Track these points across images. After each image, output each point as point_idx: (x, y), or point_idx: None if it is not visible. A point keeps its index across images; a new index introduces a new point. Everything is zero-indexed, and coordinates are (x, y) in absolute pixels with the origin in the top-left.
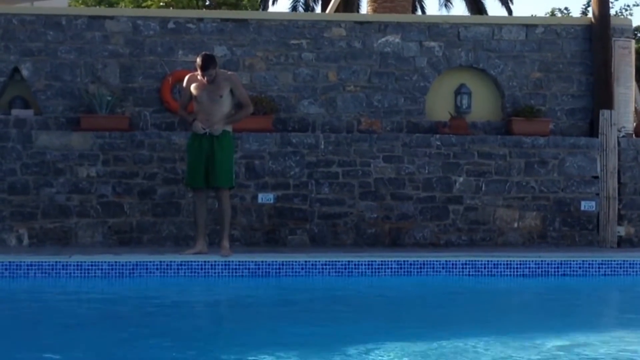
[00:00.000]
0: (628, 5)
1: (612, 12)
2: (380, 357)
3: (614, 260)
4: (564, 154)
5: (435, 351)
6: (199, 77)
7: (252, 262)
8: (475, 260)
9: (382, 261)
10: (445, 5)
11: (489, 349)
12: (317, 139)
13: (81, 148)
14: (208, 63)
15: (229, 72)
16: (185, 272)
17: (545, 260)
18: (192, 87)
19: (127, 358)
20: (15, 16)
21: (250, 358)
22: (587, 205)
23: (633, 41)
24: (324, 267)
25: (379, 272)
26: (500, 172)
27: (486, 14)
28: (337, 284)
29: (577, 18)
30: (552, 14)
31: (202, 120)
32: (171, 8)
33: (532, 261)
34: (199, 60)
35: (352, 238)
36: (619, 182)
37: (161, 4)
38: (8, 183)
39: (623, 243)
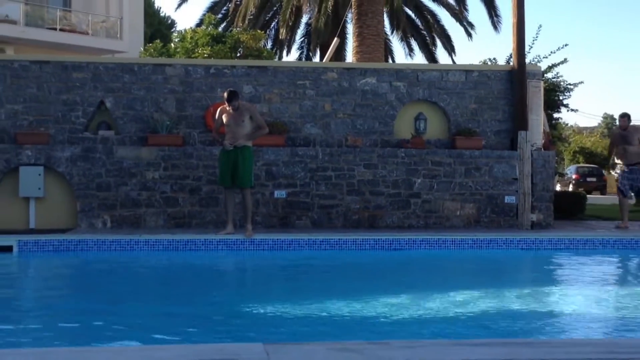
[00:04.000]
0: (539, 55)
1: (527, 61)
2: (358, 305)
3: (529, 238)
4: (493, 162)
5: (399, 302)
6: (227, 108)
7: (270, 239)
8: (429, 238)
9: (363, 239)
10: (410, 55)
11: (436, 299)
12: (316, 151)
13: (148, 158)
14: (231, 97)
15: (249, 104)
16: (222, 247)
17: (479, 238)
18: (223, 115)
19: (183, 300)
20: (101, 64)
21: (269, 305)
22: (509, 199)
23: (542, 82)
24: (322, 243)
25: (361, 246)
26: (447, 175)
27: (437, 62)
28: (331, 255)
29: (502, 65)
30: (484, 62)
31: (230, 138)
32: (212, 58)
33: (470, 239)
34: (225, 94)
35: (341, 222)
36: (532, 183)
37: (205, 55)
38: (96, 183)
39: (535, 226)
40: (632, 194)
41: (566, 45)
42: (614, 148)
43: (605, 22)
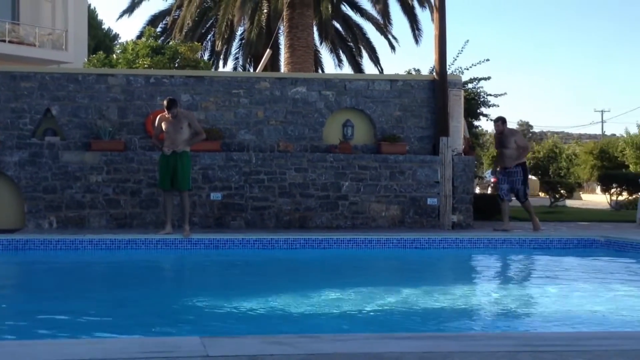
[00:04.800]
0: (460, 67)
1: (449, 71)
2: (290, 300)
3: (450, 238)
4: (416, 167)
5: (330, 298)
6: (166, 115)
7: (207, 239)
8: (356, 238)
9: (294, 238)
10: (339, 66)
11: (365, 295)
12: (250, 156)
13: (92, 162)
14: (170, 104)
15: (187, 111)
16: (161, 246)
17: (404, 238)
18: (162, 122)
19: (125, 295)
20: (47, 74)
21: (206, 301)
22: (431, 201)
23: (462, 91)
24: (255, 242)
25: (292, 246)
26: (373, 179)
27: (364, 72)
28: (263, 253)
29: (425, 75)
30: (409, 72)
31: (169, 144)
32: (152, 68)
33: (395, 238)
34: (165, 102)
35: (273, 223)
36: (453, 186)
37: (145, 65)
38: (43, 186)
39: (455, 226)
40: (511, 195)
41: (487, 60)
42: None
43: (523, 38)
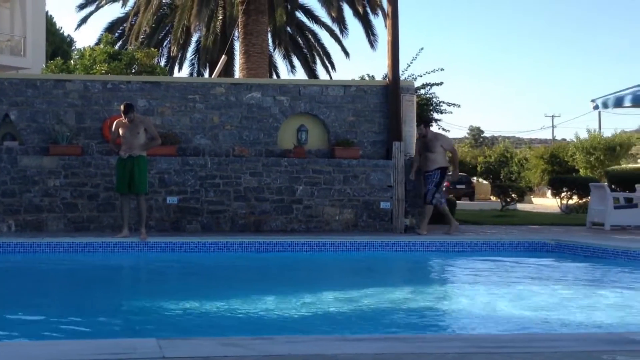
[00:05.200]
0: (412, 74)
1: (403, 78)
2: (245, 303)
3: (402, 241)
4: (369, 171)
5: (284, 300)
6: (123, 120)
7: (163, 242)
8: (310, 241)
9: (249, 241)
10: (292, 71)
11: (318, 298)
12: (205, 160)
13: (50, 167)
14: (127, 109)
15: (144, 116)
16: (118, 249)
17: (357, 241)
18: (119, 127)
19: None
20: (6, 80)
21: (161, 303)
22: (384, 205)
23: (414, 96)
24: (211, 245)
25: (247, 249)
26: (327, 183)
27: (318, 78)
28: (219, 257)
29: (378, 81)
30: (362, 78)
31: (125, 149)
32: (109, 74)
33: (349, 241)
34: (122, 107)
35: (229, 226)
36: (405, 190)
37: (102, 71)
38: (1, 190)
39: (408, 230)
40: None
41: (442, 69)
42: (418, 156)
43: (476, 43)
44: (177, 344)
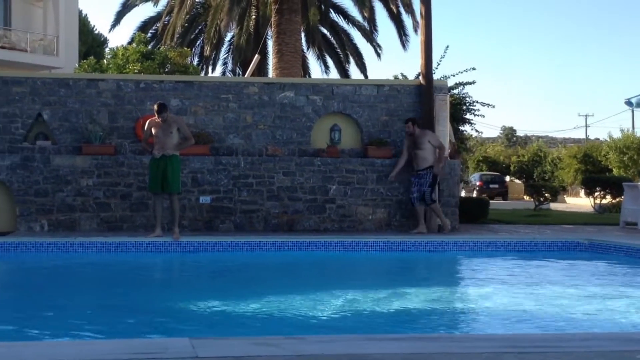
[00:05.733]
0: (445, 75)
1: (435, 77)
2: (277, 302)
3: (435, 241)
4: (402, 171)
5: (316, 300)
6: (156, 119)
7: (196, 241)
8: (343, 241)
9: (282, 241)
10: (325, 71)
11: (351, 298)
12: (239, 160)
13: (82, 166)
14: (161, 109)
15: (177, 116)
16: (151, 249)
17: (390, 241)
18: (152, 127)
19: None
20: (39, 79)
21: (194, 303)
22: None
23: (448, 95)
24: (243, 245)
25: (280, 248)
26: (360, 182)
27: (351, 77)
28: (252, 256)
29: (411, 80)
30: (395, 77)
31: (158, 148)
32: (142, 74)
33: (382, 241)
34: (155, 106)
35: (262, 226)
36: (438, 189)
37: (135, 71)
38: (34, 189)
39: (441, 229)
40: (417, 200)
41: (474, 68)
42: (406, 155)
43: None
44: (209, 343)
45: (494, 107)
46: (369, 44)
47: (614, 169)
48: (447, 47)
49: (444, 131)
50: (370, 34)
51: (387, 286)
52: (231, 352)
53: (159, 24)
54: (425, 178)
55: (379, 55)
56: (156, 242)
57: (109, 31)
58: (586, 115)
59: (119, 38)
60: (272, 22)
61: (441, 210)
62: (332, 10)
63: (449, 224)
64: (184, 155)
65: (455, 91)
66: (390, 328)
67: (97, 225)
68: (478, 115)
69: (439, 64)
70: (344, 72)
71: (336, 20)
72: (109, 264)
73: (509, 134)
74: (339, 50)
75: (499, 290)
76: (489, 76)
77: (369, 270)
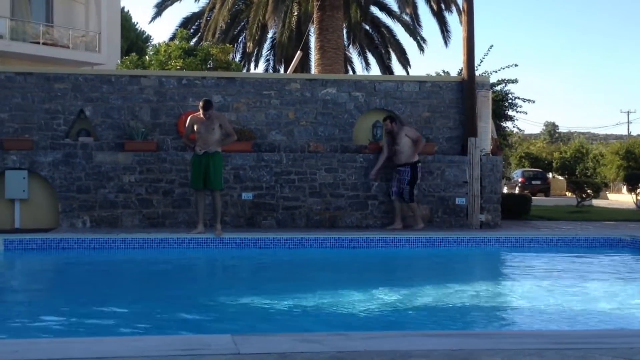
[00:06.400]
0: (486, 71)
1: (477, 73)
2: (320, 299)
3: (478, 237)
4: (444, 167)
5: (358, 296)
6: (199, 115)
7: (238, 238)
8: (386, 237)
9: (324, 237)
10: (367, 68)
11: (393, 294)
12: (281, 156)
13: (124, 163)
14: (207, 105)
15: (219, 113)
16: (193, 245)
17: (432, 237)
18: (194, 123)
19: (157, 294)
20: (81, 75)
21: (236, 299)
22: (459, 201)
23: (490, 92)
24: (285, 241)
25: (322, 245)
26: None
27: (393, 73)
28: (294, 253)
29: (453, 77)
30: (438, 74)
31: (201, 145)
32: (184, 70)
33: (424, 237)
34: (201, 103)
35: (304, 222)
36: (481, 185)
37: (177, 67)
38: (76, 186)
39: (483, 225)
40: (395, 195)
41: (516, 65)
42: (386, 152)
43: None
44: (252, 340)
45: (533, 102)
46: (411, 39)
47: None
48: (491, 46)
49: (486, 128)
50: (413, 29)
51: (429, 282)
52: (274, 349)
53: (201, 21)
54: (404, 175)
55: (422, 49)
56: (198, 238)
57: (149, 22)
58: (628, 112)
59: (160, 34)
60: (314, 19)
61: (419, 208)
62: (374, 6)
63: (422, 224)
64: (226, 151)
65: (498, 88)
66: (432, 324)
67: (139, 222)
68: (520, 112)
69: (481, 61)
70: (386, 68)
71: (378, 16)
72: (151, 261)
73: (551, 130)
74: (380, 47)
75: (540, 287)
76: (531, 72)
77: (411, 266)
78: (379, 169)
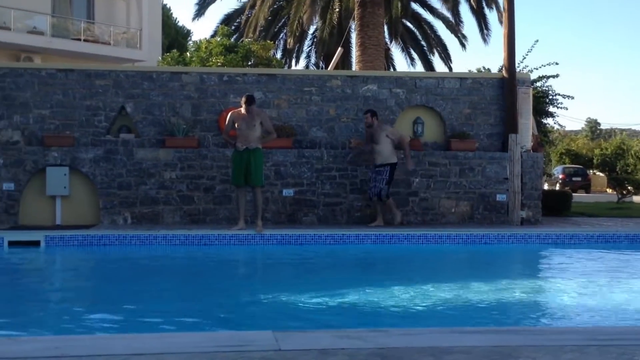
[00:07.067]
0: (527, 67)
1: (517, 70)
2: (360, 295)
3: (518, 233)
4: (485, 163)
5: (399, 293)
6: (240, 111)
7: (279, 234)
8: (427, 233)
9: (365, 234)
10: (411, 64)
11: (433, 291)
12: (322, 153)
13: (166, 159)
14: (251, 100)
15: (261, 110)
16: (234, 241)
17: (473, 233)
18: (234, 119)
19: (198, 290)
20: (122, 72)
21: (277, 296)
22: (500, 197)
23: (530, 88)
24: (326, 238)
25: (363, 241)
26: (443, 175)
27: (434, 70)
28: (335, 249)
29: (494, 73)
30: (478, 70)
31: (242, 141)
32: (225, 67)
33: (465, 234)
34: (244, 98)
35: (345, 219)
36: (521, 182)
37: (219, 64)
38: (117, 182)
39: (524, 222)
40: (374, 195)
41: (557, 63)
42: (365, 144)
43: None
44: (293, 336)
45: (572, 98)
46: (452, 35)
47: None
48: (536, 41)
49: (527, 124)
50: (454, 26)
51: (470, 279)
52: (315, 345)
53: (242, 17)
54: (382, 175)
55: (464, 46)
56: (239, 234)
57: (193, 20)
58: None
59: (201, 31)
60: (355, 15)
61: (395, 204)
62: (414, 2)
63: (399, 219)
64: (267, 148)
65: (538, 84)
66: (473, 321)
67: (180, 218)
68: (561, 108)
69: (524, 58)
70: (427, 64)
71: (419, 12)
72: (192, 257)
73: (592, 126)
74: (422, 43)
75: (581, 283)
76: (572, 68)
77: (452, 263)
78: (355, 155)
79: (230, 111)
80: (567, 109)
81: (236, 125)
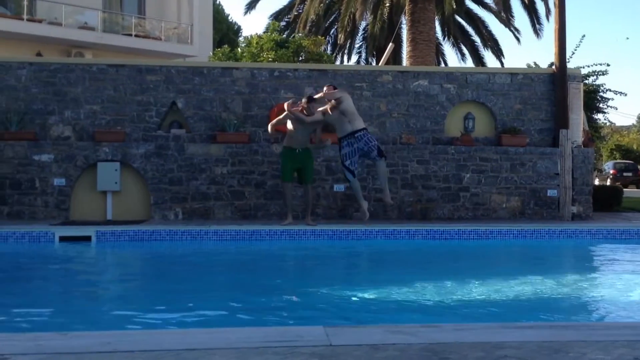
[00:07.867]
0: (578, 65)
1: (568, 65)
2: (412, 290)
3: (569, 229)
4: (536, 159)
5: (450, 288)
6: (300, 109)
7: (330, 229)
8: (477, 229)
9: (416, 229)
10: (462, 60)
11: (485, 286)
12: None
13: (217, 154)
14: (310, 100)
15: (321, 117)
16: (285, 237)
17: (524, 229)
18: (291, 120)
19: (249, 285)
20: (173, 67)
21: (329, 291)
22: (551, 192)
23: (581, 84)
24: (377, 233)
25: (414, 236)
26: (494, 170)
27: (486, 65)
28: (386, 244)
29: (544, 68)
30: (528, 66)
31: (294, 143)
32: (276, 62)
33: (516, 229)
34: (305, 98)
35: (396, 214)
36: (572, 177)
37: (269, 59)
38: (168, 178)
39: (575, 217)
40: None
41: (608, 64)
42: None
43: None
44: (344, 331)
45: (625, 95)
46: (506, 29)
47: None
48: (583, 36)
49: (577, 120)
50: (507, 20)
51: (521, 274)
52: (366, 340)
53: (293, 13)
54: (365, 137)
55: (518, 40)
56: (290, 230)
57: (244, 14)
58: None
59: (252, 26)
60: (406, 11)
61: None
62: None
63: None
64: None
65: (589, 80)
66: (525, 316)
67: (231, 214)
68: (611, 107)
69: (573, 53)
70: (479, 60)
71: (471, 7)
72: (244, 252)
73: None
74: (474, 38)
75: (632, 278)
76: (623, 64)
77: (503, 258)
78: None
79: (281, 107)
80: (616, 108)
81: (292, 126)
